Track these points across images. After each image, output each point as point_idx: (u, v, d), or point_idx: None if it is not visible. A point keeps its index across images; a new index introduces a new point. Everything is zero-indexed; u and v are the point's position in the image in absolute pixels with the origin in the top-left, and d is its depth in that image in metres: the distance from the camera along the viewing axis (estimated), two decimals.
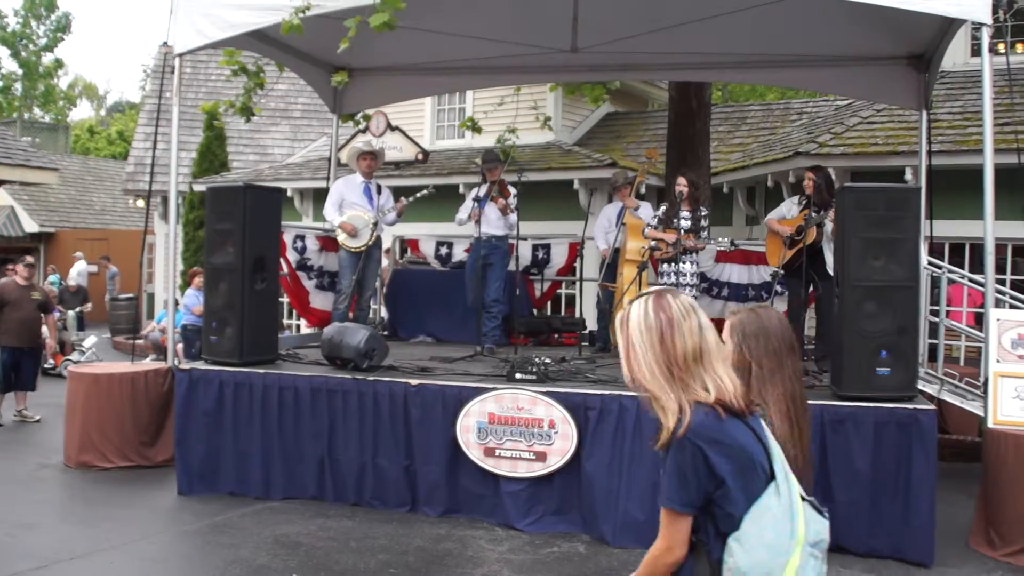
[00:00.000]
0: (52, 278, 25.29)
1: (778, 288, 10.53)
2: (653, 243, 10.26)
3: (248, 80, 11.46)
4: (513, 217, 10.72)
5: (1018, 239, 10.35)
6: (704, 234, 10.18)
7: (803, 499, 2.92)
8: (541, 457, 7.66)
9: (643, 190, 11.89)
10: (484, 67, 12.12)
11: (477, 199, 10.69)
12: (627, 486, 7.40)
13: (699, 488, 2.80)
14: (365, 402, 8.25)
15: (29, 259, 12.51)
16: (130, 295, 24.29)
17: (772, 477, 2.87)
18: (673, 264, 10.01)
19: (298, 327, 17.12)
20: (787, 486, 2.87)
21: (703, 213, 10.21)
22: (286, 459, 8.52)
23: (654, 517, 7.38)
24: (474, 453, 7.83)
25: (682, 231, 9.98)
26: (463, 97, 17.88)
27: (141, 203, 24.54)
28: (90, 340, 18.42)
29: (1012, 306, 9.75)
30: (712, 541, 2.85)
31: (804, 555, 2.82)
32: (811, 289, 9.86)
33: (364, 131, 16.63)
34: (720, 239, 10.53)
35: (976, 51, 13.10)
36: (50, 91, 53.98)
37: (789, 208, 10.09)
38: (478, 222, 10.72)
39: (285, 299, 12.39)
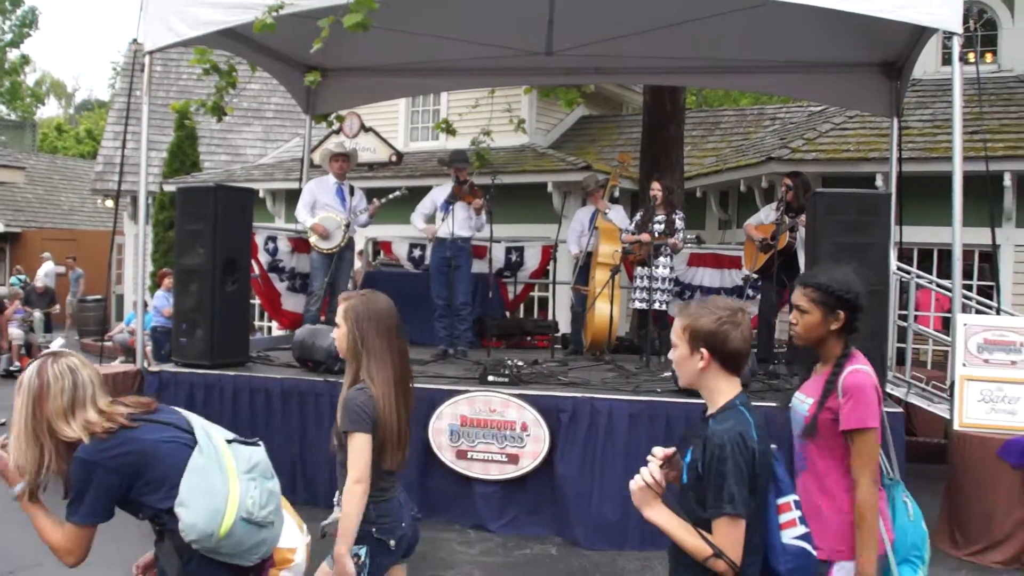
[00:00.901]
0: (13, 279, 25.03)
1: (750, 292, 10.59)
2: (627, 247, 10.29)
3: (220, 79, 11.39)
4: (483, 218, 10.68)
5: (985, 245, 10.44)
6: (680, 235, 10.23)
7: (229, 442, 3.40)
8: (513, 459, 7.68)
9: (616, 194, 11.90)
10: (459, 69, 12.13)
11: (450, 202, 10.56)
12: (599, 488, 7.43)
13: (106, 498, 3.26)
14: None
15: None
16: (98, 296, 24.09)
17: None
18: (646, 267, 10.04)
19: (269, 329, 17.06)
20: (207, 439, 3.35)
21: (679, 216, 10.26)
22: None
23: (626, 519, 7.37)
24: (446, 455, 7.83)
25: (657, 235, 10.02)
26: (437, 99, 17.88)
27: (110, 203, 24.35)
28: (57, 342, 18.27)
29: (978, 311, 9.84)
30: (168, 521, 3.27)
31: (243, 482, 3.29)
32: (784, 292, 9.92)
33: (337, 132, 16.59)
34: (689, 235, 10.57)
35: (947, 60, 13.23)
36: (16, 88, 53.34)
37: (767, 214, 10.14)
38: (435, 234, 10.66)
39: (256, 301, 12.35)
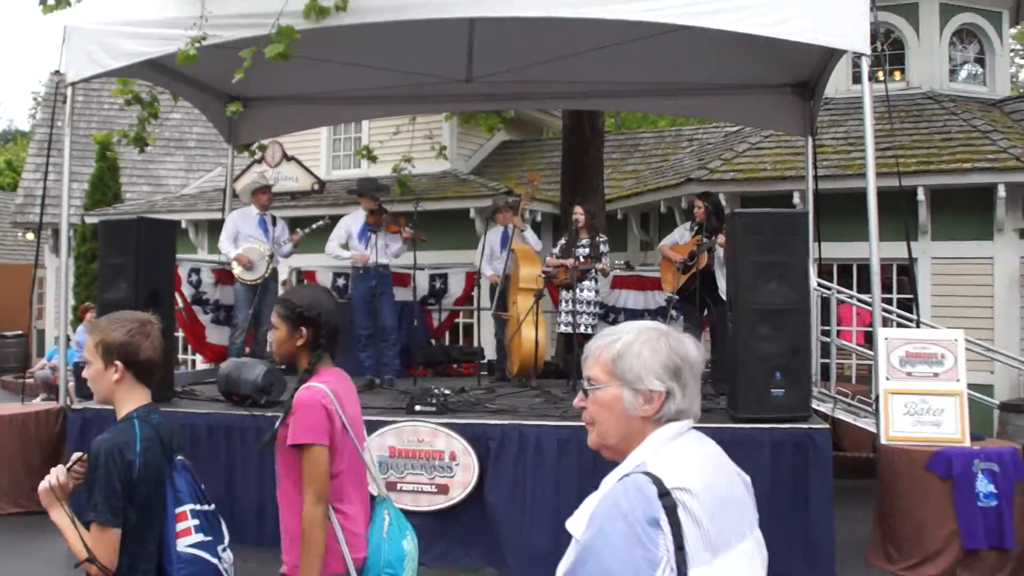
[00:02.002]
0: None
1: (673, 313, 10.69)
2: (551, 271, 10.36)
3: (142, 110, 11.29)
4: (403, 245, 10.70)
5: (902, 259, 10.66)
6: (607, 259, 10.33)
7: None
8: (443, 490, 7.65)
9: (527, 215, 11.93)
10: (380, 96, 12.14)
11: (373, 231, 10.48)
12: (530, 516, 7.42)
13: None
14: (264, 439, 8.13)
15: None
16: (19, 332, 23.64)
17: None
18: (570, 291, 10.11)
19: (194, 363, 16.84)
20: None
21: (603, 239, 10.36)
22: None
23: (559, 547, 7.39)
24: (376, 487, 7.76)
25: (581, 259, 10.11)
26: (359, 127, 17.82)
27: (31, 236, 23.93)
28: None
29: (899, 324, 10.05)
30: None
31: None
32: (705, 313, 10.04)
33: (259, 161, 16.50)
34: (616, 261, 10.67)
35: (857, 79, 13.50)
36: None
37: (682, 234, 10.28)
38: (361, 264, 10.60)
39: (180, 334, 12.21)
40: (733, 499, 2.25)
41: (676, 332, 2.33)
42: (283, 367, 11.30)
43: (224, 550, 3.37)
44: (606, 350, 2.31)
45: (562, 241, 10.64)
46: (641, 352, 2.26)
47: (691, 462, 2.21)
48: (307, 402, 3.65)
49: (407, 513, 7.64)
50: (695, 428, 2.33)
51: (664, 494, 2.06)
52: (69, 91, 9.36)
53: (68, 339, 11.36)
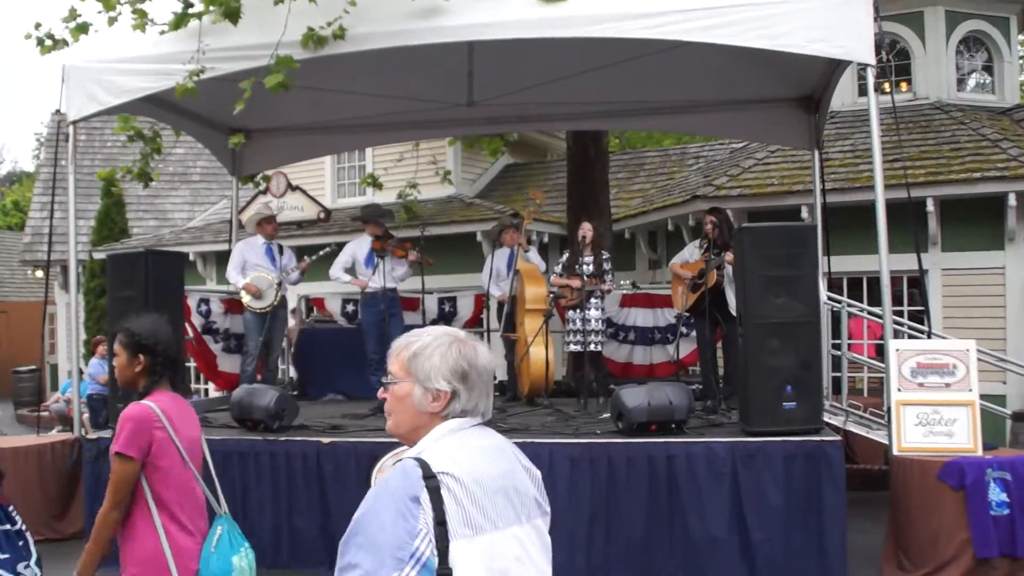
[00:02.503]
0: None
1: (683, 330, 10.67)
2: (556, 290, 10.35)
3: (145, 145, 11.32)
4: (407, 269, 10.73)
5: (912, 271, 10.61)
6: (609, 277, 10.32)
7: None
8: None
9: (534, 237, 11.92)
10: (382, 124, 12.16)
11: (380, 256, 10.51)
12: None
13: None
14: (278, 463, 8.17)
15: None
16: (32, 367, 23.72)
17: None
18: (579, 311, 10.09)
19: (206, 391, 16.86)
20: None
21: (605, 257, 10.35)
22: None
23: (573, 564, 7.35)
24: None
25: (586, 276, 10.09)
26: (363, 154, 17.84)
27: (40, 273, 24.03)
28: None
29: (910, 336, 10.00)
30: None
31: None
32: (717, 329, 10.00)
33: (264, 192, 16.53)
34: (622, 281, 10.66)
35: (863, 91, 13.49)
36: None
37: (692, 252, 10.24)
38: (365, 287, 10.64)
39: (192, 363, 12.23)
40: (508, 488, 2.49)
41: (471, 340, 2.61)
42: (295, 392, 11.36)
43: (27, 567, 3.48)
44: (405, 349, 2.61)
45: (564, 258, 10.62)
46: (432, 355, 2.54)
47: (463, 452, 2.47)
48: (126, 415, 3.84)
49: None
50: (483, 425, 2.60)
51: (429, 476, 2.34)
52: (71, 130, 9.38)
53: (80, 372, 11.38)
